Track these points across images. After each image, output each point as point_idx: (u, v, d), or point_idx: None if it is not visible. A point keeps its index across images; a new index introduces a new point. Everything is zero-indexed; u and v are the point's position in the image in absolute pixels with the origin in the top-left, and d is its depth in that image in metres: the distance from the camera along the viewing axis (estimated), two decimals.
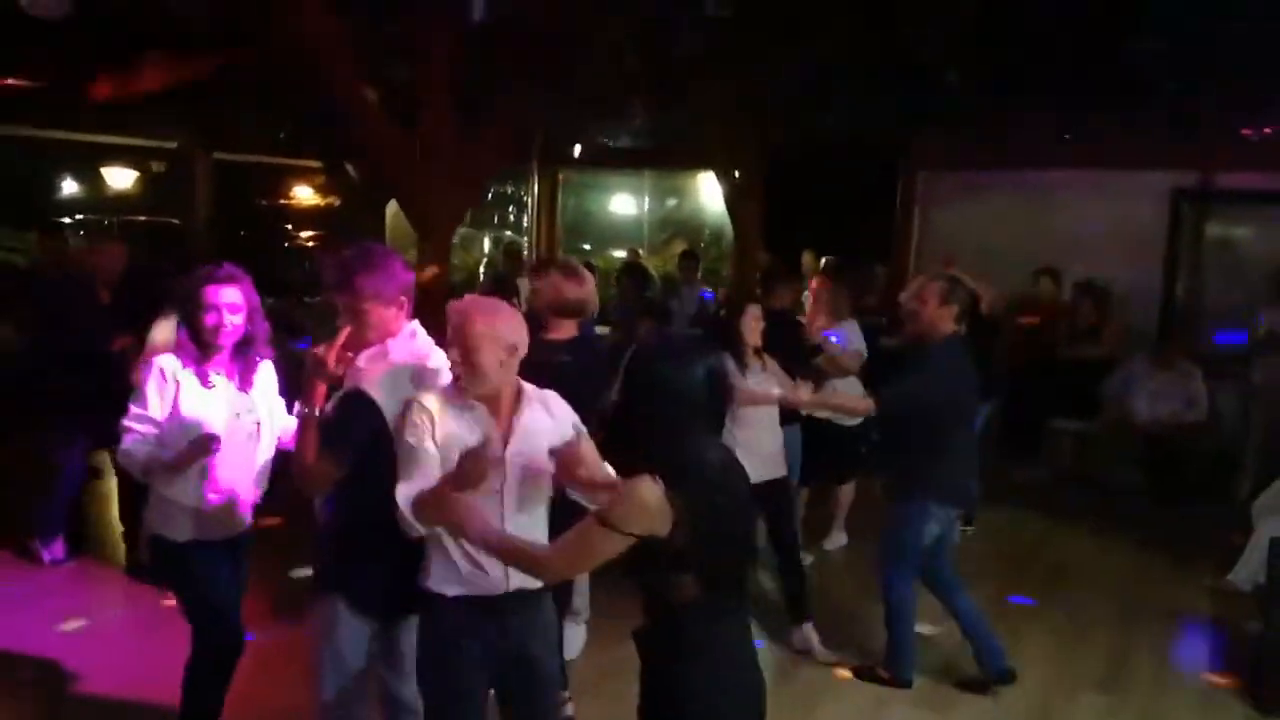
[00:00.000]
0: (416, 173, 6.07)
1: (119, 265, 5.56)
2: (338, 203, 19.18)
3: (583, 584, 4.46)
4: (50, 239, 7.02)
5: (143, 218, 17.57)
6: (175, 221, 17.03)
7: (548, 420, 2.67)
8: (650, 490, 2.12)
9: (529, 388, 2.69)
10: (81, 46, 7.44)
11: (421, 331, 2.99)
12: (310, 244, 16.54)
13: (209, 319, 3.18)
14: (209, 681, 3.35)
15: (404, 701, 3.01)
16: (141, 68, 7.88)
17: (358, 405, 2.74)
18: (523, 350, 2.62)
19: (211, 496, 3.21)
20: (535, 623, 2.70)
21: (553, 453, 2.62)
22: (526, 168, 11.16)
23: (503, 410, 2.61)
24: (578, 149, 10.09)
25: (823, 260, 9.34)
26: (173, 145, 10.42)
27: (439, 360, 2.83)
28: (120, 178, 17.05)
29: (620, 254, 12.85)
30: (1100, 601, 5.51)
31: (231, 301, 3.21)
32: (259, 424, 3.29)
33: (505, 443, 2.58)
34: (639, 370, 2.30)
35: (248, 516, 3.34)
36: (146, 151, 12.76)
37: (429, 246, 6.29)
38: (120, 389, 3.48)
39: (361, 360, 2.85)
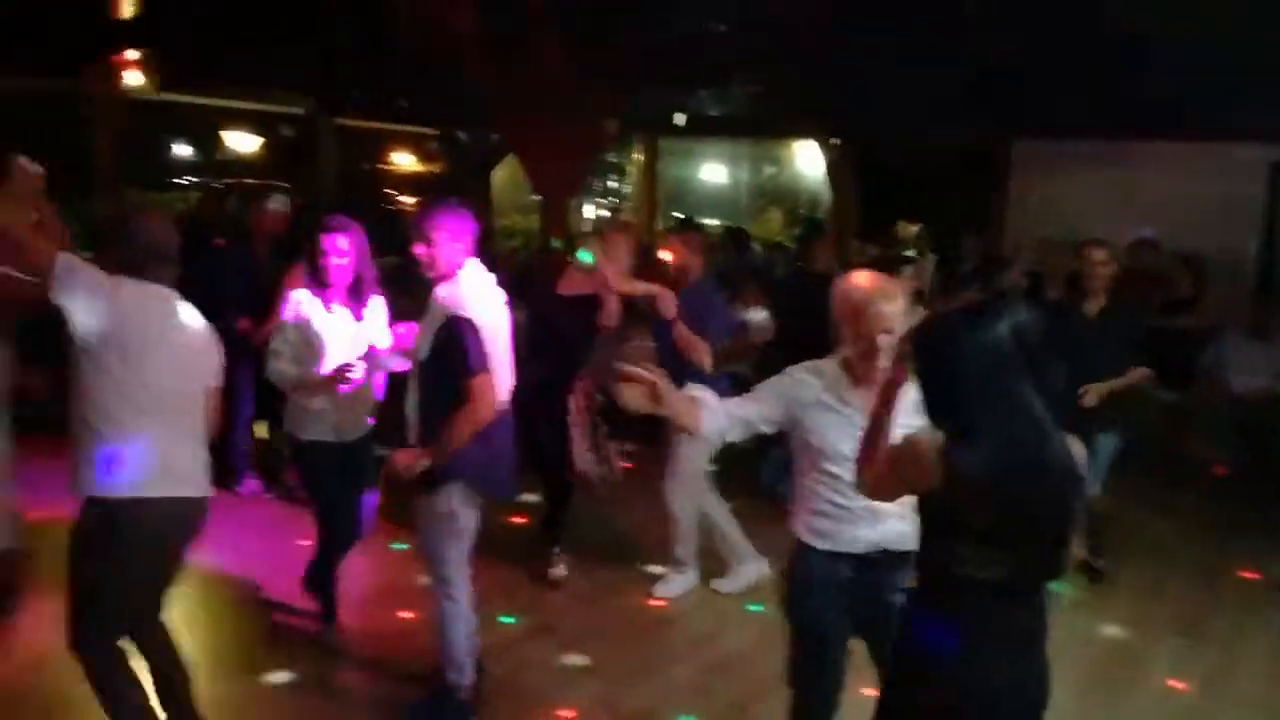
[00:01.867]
0: (540, 140, 6.54)
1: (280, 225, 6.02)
2: (438, 169, 19.87)
3: (687, 536, 4.87)
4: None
5: (252, 180, 18.50)
6: (285, 185, 17.84)
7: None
8: (921, 442, 2.13)
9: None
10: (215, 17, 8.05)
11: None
12: (413, 207, 17.25)
13: (323, 260, 3.95)
14: (322, 563, 4.17)
15: None
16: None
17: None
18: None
19: (333, 404, 3.95)
20: (896, 579, 2.73)
21: None
22: (627, 136, 11.56)
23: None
24: (681, 118, 10.41)
25: (915, 228, 9.52)
26: (300, 111, 11.08)
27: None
28: (242, 142, 18.04)
29: (711, 222, 13.14)
30: (1182, 561, 5.75)
31: (342, 247, 3.96)
32: (371, 346, 3.96)
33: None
34: (934, 335, 2.24)
35: (364, 422, 4.09)
36: (275, 117, 13.49)
37: (549, 210, 6.80)
38: None
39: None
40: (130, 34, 8.23)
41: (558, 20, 6.21)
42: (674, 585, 4.88)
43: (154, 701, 3.13)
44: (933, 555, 2.21)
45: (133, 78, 8.87)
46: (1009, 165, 9.72)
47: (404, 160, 21.12)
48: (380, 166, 20.97)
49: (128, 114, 9.30)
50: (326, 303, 3.98)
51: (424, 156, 20.82)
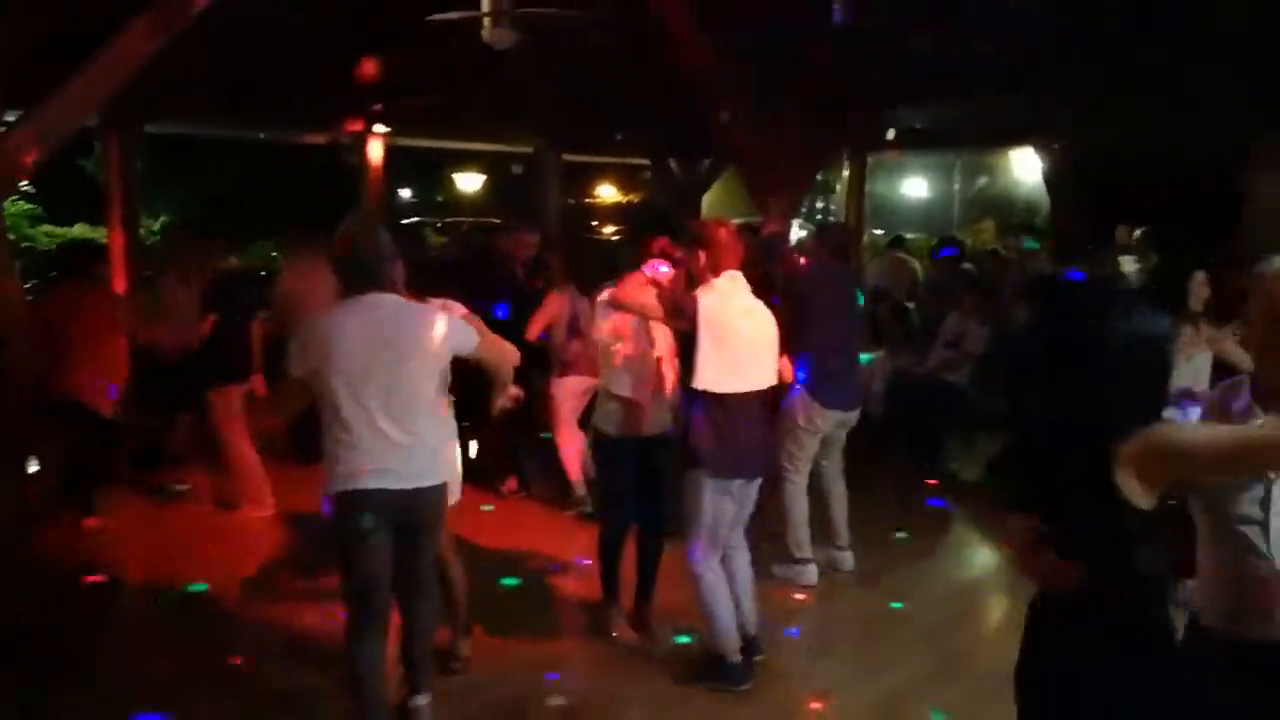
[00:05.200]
0: (767, 166, 6.86)
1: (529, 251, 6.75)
2: (637, 199, 20.64)
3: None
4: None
5: (468, 219, 19.89)
6: (496, 221, 19.10)
7: None
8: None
9: None
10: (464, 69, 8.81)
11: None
12: (613, 238, 18.03)
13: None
14: (607, 552, 4.37)
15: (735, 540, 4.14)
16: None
17: None
18: None
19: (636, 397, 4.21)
20: None
21: None
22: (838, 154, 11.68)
23: None
24: (891, 132, 10.43)
25: (1137, 233, 9.07)
26: (529, 149, 11.92)
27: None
28: (467, 181, 19.47)
29: (911, 236, 12.96)
30: None
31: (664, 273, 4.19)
32: None
33: None
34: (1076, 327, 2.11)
35: (663, 422, 4.28)
36: (506, 156, 14.50)
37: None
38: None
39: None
40: (381, 90, 9.11)
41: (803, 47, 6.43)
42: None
43: None
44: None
45: (379, 128, 9.86)
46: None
47: (606, 192, 22.13)
48: (586, 200, 22.05)
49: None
50: None
51: (625, 187, 21.74)
